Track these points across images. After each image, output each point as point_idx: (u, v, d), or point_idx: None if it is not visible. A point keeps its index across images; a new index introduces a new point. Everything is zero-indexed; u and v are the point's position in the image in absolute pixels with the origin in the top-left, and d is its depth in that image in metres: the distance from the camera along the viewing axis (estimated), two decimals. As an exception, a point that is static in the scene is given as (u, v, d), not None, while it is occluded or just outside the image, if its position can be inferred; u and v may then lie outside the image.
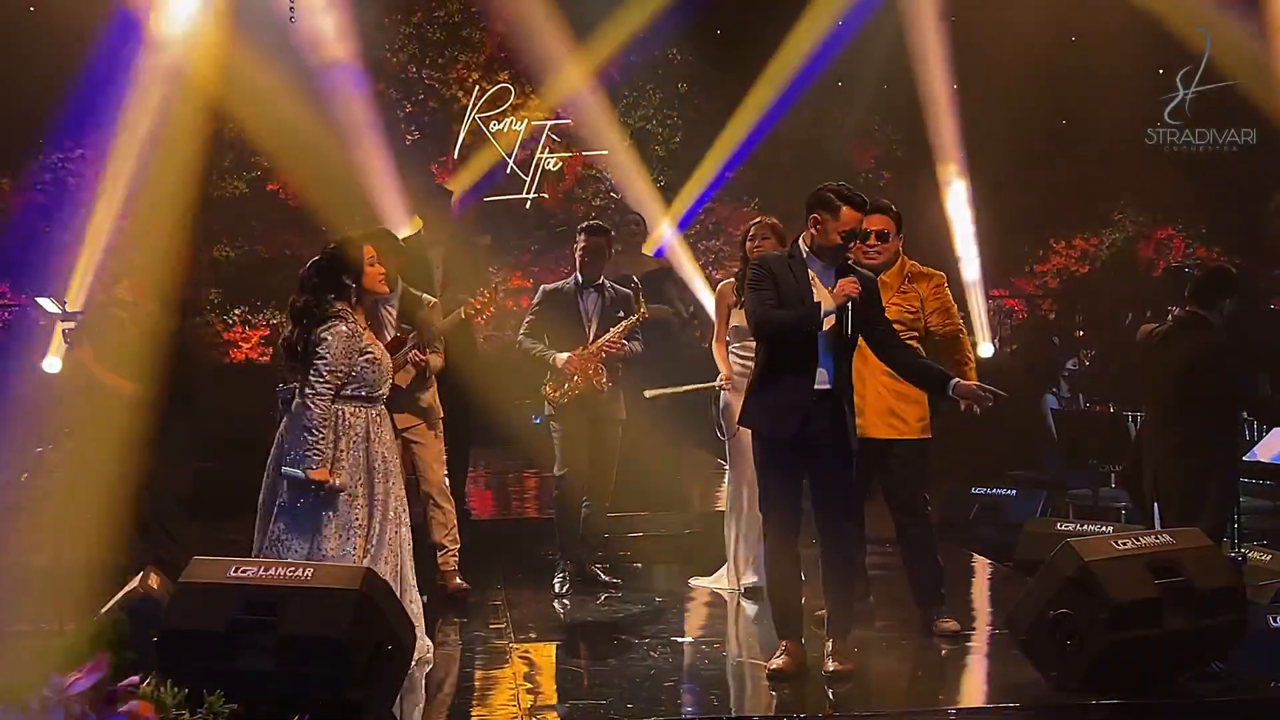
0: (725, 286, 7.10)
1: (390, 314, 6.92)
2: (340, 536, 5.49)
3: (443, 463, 7.24)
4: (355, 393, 5.54)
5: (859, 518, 6.53)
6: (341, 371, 5.45)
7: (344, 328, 5.48)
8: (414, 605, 5.74)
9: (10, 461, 6.07)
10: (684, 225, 13.15)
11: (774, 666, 5.61)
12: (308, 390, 5.46)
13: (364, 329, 5.62)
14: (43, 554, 7.07)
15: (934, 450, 6.47)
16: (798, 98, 12.99)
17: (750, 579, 7.08)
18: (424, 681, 5.65)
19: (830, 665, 5.58)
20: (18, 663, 4.85)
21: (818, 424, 5.50)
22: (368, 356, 5.54)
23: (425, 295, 7.26)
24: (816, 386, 5.50)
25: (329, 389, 5.44)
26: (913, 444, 6.36)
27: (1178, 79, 13.11)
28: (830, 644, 5.63)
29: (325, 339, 5.44)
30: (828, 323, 5.44)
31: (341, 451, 5.50)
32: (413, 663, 5.38)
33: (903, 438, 6.33)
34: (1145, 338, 7.05)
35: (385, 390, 5.67)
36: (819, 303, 5.42)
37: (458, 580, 7.24)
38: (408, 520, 5.81)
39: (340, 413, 5.52)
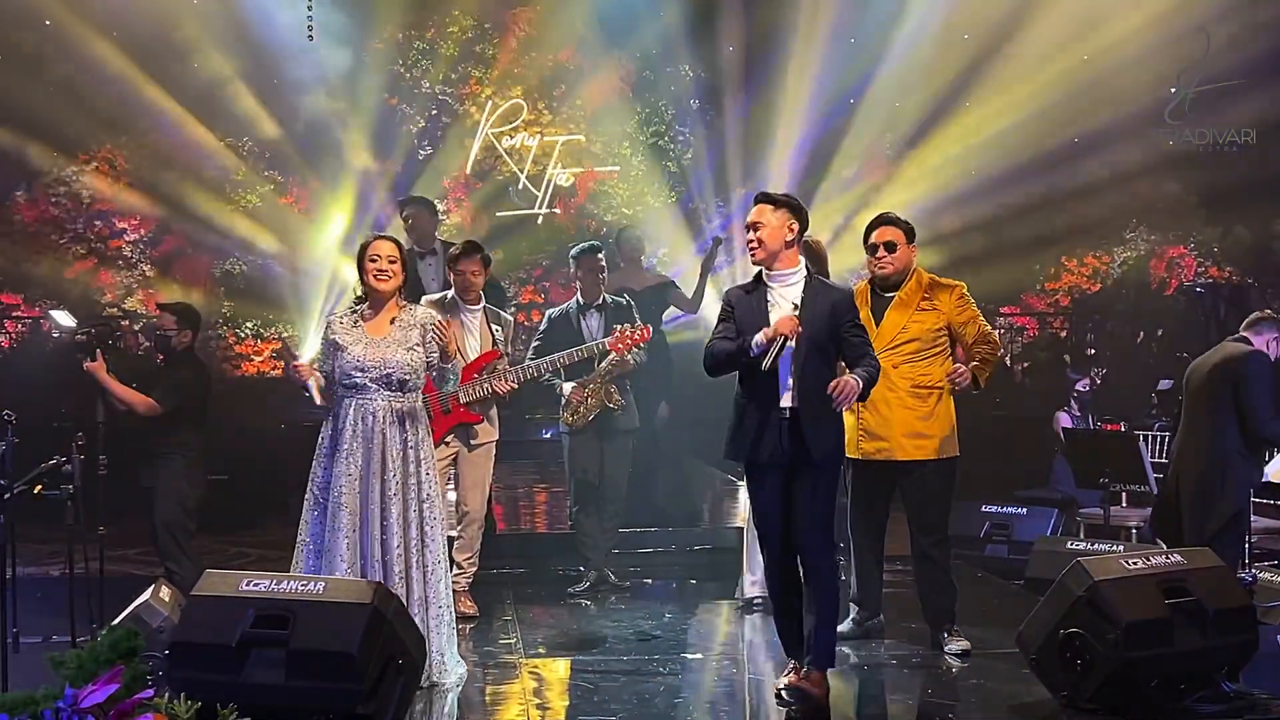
0: None
1: (475, 323, 7.23)
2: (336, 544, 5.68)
3: (484, 489, 7.29)
4: (336, 385, 5.84)
5: (876, 538, 6.56)
6: (320, 364, 5.88)
7: (326, 323, 5.93)
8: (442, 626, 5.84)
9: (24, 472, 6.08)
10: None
11: (782, 684, 5.60)
12: None
13: (356, 324, 5.83)
14: (56, 566, 7.09)
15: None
16: (808, 114, 13.02)
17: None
18: (434, 696, 5.66)
19: (788, 679, 5.52)
20: (33, 674, 4.86)
21: (786, 444, 5.46)
22: (337, 350, 5.77)
23: (504, 313, 7.41)
24: (782, 405, 5.47)
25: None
26: (938, 464, 6.36)
27: (1177, 79, 13.11)
28: (805, 665, 5.54)
29: None
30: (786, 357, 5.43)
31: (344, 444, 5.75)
32: (447, 684, 5.65)
33: (928, 458, 6.34)
34: (1192, 367, 7.13)
35: (360, 380, 5.73)
36: (747, 341, 5.40)
37: (467, 601, 7.26)
38: (434, 535, 5.86)
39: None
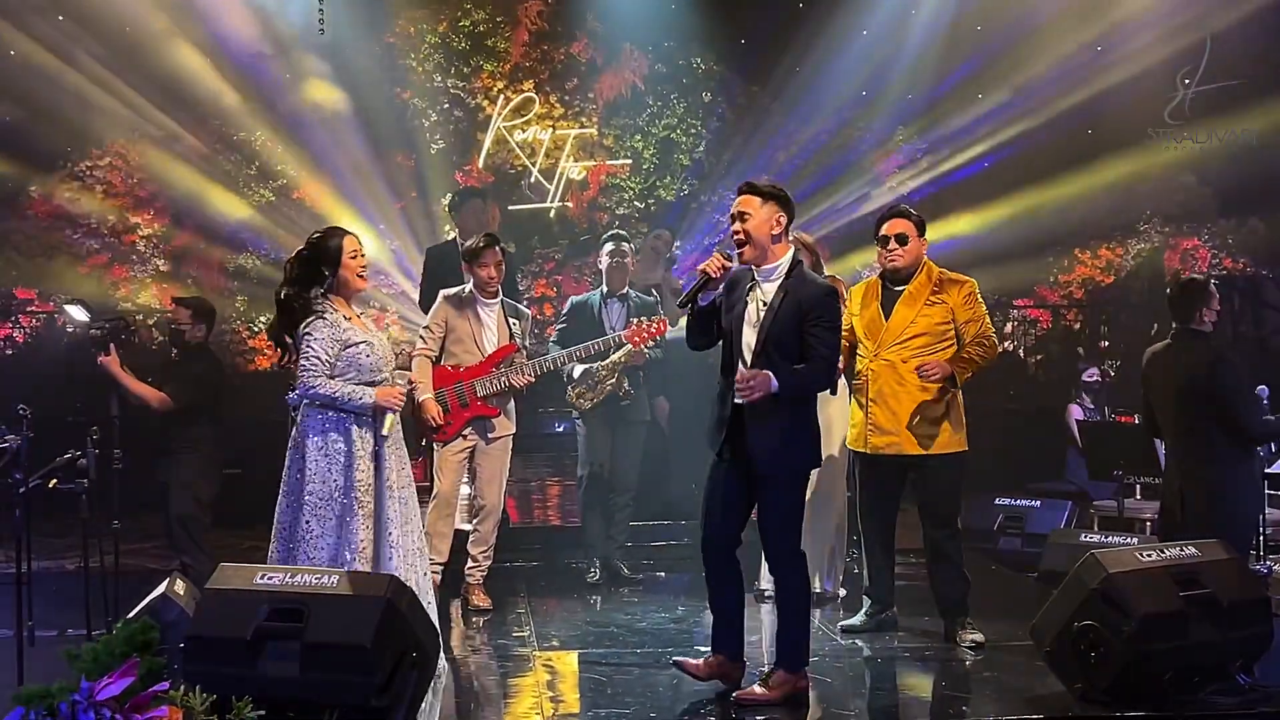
0: None
1: (492, 317, 7.20)
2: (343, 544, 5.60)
3: (500, 482, 7.30)
4: (353, 380, 5.61)
5: (887, 532, 6.56)
6: (330, 360, 5.56)
7: (322, 322, 5.59)
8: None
9: (39, 467, 6.10)
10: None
11: (679, 659, 5.68)
12: (303, 377, 5.55)
13: (350, 319, 5.69)
14: (71, 560, 7.12)
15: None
16: (821, 106, 13.02)
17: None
18: (448, 689, 5.68)
19: (754, 688, 5.48)
20: (48, 668, 4.88)
21: (737, 440, 5.44)
22: (354, 347, 5.61)
23: (520, 307, 7.41)
24: (736, 401, 5.42)
25: (320, 375, 5.55)
26: (947, 458, 6.36)
27: (1177, 79, 13.07)
28: (771, 670, 5.53)
29: (308, 334, 5.57)
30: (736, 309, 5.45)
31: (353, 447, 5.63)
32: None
33: (936, 452, 6.33)
34: (1150, 359, 6.98)
35: (386, 375, 5.72)
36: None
37: (481, 594, 7.27)
38: (417, 520, 5.89)
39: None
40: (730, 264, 5.40)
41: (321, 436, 5.60)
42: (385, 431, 5.62)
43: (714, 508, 5.57)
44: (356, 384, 5.59)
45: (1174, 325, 6.77)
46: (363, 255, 5.76)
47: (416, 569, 5.74)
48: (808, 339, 5.32)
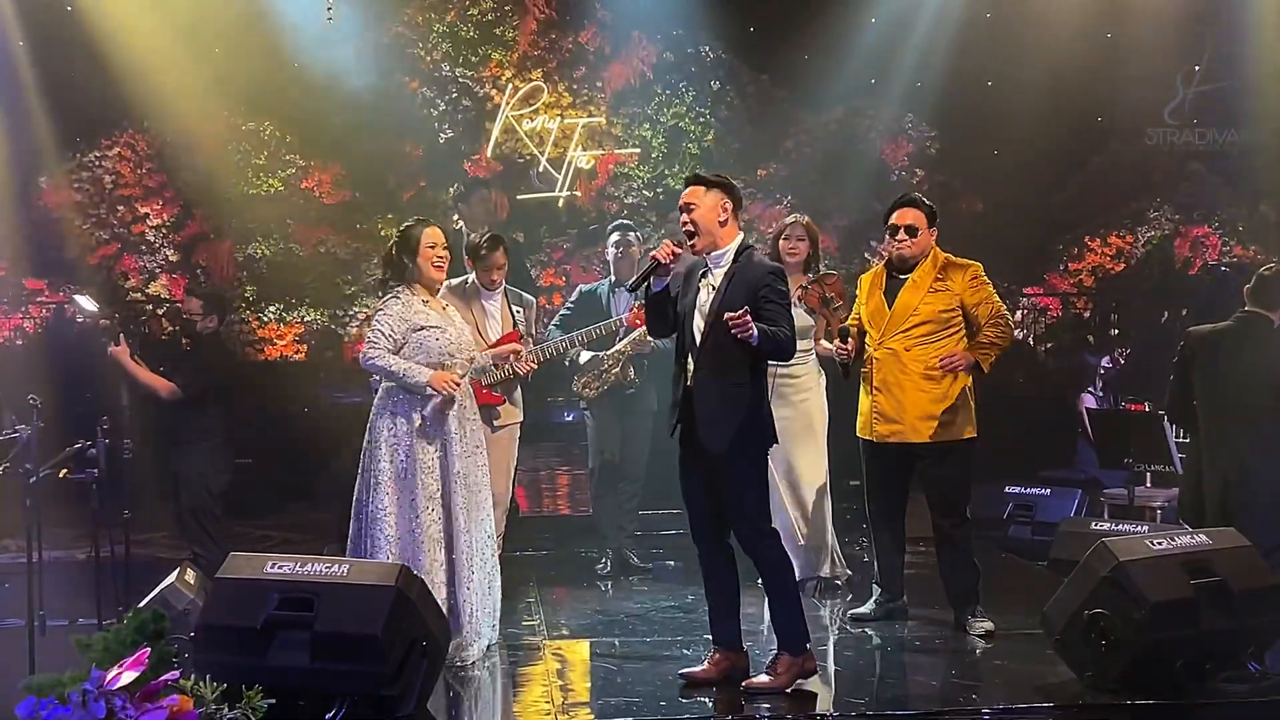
0: None
1: (495, 308, 7.17)
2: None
3: (508, 472, 7.30)
4: (420, 363, 5.80)
5: (896, 521, 6.54)
6: (395, 337, 5.79)
7: (396, 301, 5.88)
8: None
9: (49, 457, 6.11)
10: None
11: (686, 670, 5.62)
12: (364, 348, 5.87)
13: (425, 304, 5.90)
14: (82, 550, 7.13)
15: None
16: (830, 94, 12.99)
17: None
18: (458, 678, 5.68)
19: (760, 678, 5.50)
20: (59, 657, 4.89)
21: (688, 424, 5.45)
22: (423, 331, 5.82)
23: (525, 295, 7.42)
24: (687, 384, 5.44)
25: (381, 348, 5.78)
26: (954, 446, 6.33)
27: (1177, 79, 13.03)
28: (775, 656, 5.53)
29: (380, 310, 5.90)
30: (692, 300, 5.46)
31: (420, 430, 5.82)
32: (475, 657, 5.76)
33: (943, 441, 6.30)
34: (1199, 340, 6.90)
35: (459, 361, 5.91)
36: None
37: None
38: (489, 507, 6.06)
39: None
40: (680, 250, 5.44)
41: (390, 415, 5.84)
42: (426, 412, 5.78)
43: (691, 496, 5.59)
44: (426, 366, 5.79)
45: (1244, 309, 6.71)
46: (443, 247, 5.95)
47: (485, 555, 5.95)
48: (762, 315, 5.31)
